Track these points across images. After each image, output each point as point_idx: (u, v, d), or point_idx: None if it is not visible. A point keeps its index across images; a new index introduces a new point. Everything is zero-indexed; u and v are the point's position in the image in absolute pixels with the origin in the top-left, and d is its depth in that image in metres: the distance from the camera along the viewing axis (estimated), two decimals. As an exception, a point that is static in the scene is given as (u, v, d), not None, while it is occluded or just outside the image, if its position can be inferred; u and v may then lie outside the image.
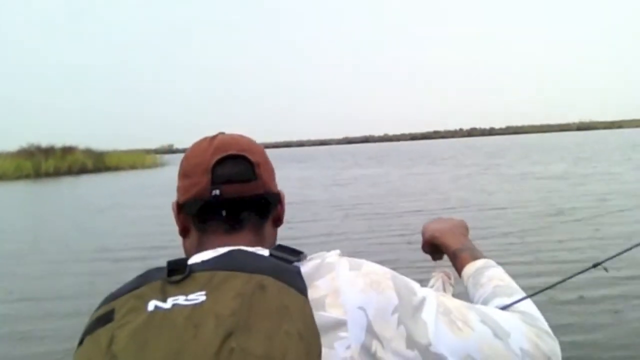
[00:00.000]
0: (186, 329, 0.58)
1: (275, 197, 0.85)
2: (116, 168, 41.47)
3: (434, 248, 1.03)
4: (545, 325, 0.76)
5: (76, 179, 33.38)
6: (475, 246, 0.97)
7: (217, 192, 0.78)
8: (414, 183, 17.44)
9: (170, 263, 0.66)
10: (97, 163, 41.07)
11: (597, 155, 27.28)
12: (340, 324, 0.64)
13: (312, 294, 0.65)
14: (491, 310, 0.75)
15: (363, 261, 0.74)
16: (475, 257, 0.93)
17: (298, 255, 0.71)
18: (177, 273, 0.64)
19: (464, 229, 1.03)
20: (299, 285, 0.64)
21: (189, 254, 0.77)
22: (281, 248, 0.73)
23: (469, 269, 0.92)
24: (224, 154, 0.80)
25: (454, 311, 0.71)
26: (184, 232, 0.85)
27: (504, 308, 0.78)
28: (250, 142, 0.85)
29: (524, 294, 0.82)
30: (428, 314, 0.69)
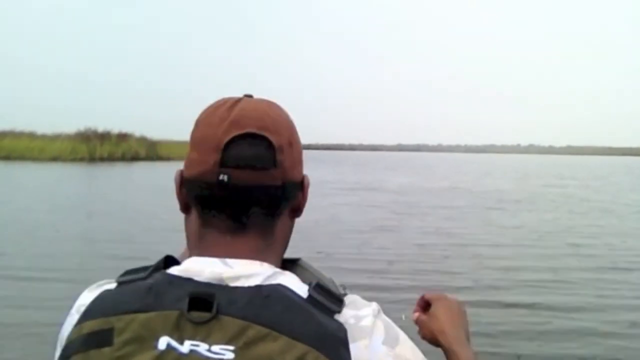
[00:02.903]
0: None
1: (296, 186, 0.71)
2: (167, 158, 41.83)
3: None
4: None
5: (128, 165, 34.03)
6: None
7: (224, 177, 0.65)
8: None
9: (193, 294, 0.57)
10: (150, 152, 41.89)
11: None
12: None
13: None
14: None
15: (400, 335, 0.65)
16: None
17: (340, 303, 0.62)
18: (199, 307, 0.56)
19: (465, 320, 0.91)
20: None
21: (190, 239, 0.71)
22: (321, 290, 0.63)
23: None
24: (241, 132, 0.66)
25: None
26: (186, 209, 0.73)
27: None
28: (277, 118, 0.69)
29: None
30: None
